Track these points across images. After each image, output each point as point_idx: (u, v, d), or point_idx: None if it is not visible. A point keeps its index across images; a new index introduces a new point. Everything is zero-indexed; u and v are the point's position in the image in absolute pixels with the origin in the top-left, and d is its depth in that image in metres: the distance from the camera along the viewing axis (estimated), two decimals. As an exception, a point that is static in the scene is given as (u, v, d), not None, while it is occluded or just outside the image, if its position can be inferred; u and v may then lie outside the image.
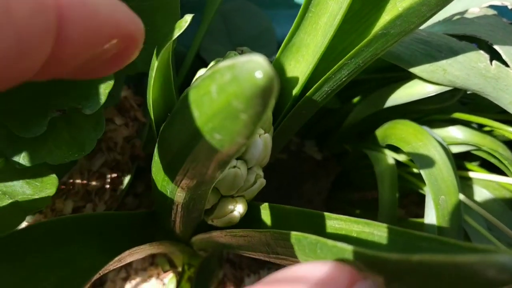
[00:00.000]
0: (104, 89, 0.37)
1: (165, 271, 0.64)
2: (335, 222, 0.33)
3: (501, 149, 0.52)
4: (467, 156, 0.58)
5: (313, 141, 0.65)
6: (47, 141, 0.37)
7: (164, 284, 0.62)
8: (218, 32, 0.68)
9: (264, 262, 0.66)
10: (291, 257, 0.30)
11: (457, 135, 0.53)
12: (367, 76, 0.56)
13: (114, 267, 0.37)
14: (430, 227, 0.46)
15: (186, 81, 0.58)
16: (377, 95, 0.50)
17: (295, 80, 0.42)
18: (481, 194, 0.56)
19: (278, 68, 0.43)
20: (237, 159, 0.38)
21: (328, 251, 0.23)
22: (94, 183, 0.49)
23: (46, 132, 0.36)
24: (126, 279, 0.62)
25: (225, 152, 0.22)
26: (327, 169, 0.62)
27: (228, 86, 0.17)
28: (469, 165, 0.57)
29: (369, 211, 0.65)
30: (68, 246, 0.34)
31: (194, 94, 0.20)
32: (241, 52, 0.41)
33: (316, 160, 0.62)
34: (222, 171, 0.29)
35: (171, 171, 0.30)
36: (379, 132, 0.52)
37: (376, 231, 0.29)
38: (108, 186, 0.50)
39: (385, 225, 0.29)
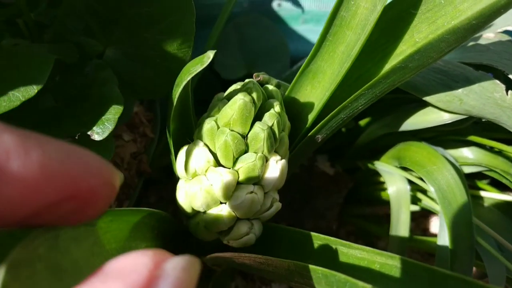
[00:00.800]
0: (114, 114, 0.38)
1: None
2: (357, 251, 0.34)
3: (512, 170, 0.52)
4: (478, 174, 0.58)
5: (325, 156, 0.66)
6: None
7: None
8: (231, 45, 0.69)
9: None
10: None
11: (469, 155, 0.53)
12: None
13: None
14: (443, 248, 0.47)
15: (198, 90, 0.58)
16: (392, 118, 0.50)
17: (311, 105, 0.43)
18: (491, 213, 0.56)
19: (295, 92, 0.44)
20: (254, 184, 0.38)
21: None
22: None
23: None
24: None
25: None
26: (339, 184, 0.63)
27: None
28: (480, 184, 0.57)
29: (380, 226, 0.65)
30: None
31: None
32: (259, 79, 0.41)
33: (328, 175, 0.63)
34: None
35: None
36: (393, 152, 0.52)
37: (399, 264, 0.30)
38: (113, 201, 0.50)
39: (409, 260, 0.29)
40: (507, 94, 0.40)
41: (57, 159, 0.17)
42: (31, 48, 0.36)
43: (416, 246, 0.57)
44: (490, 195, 0.54)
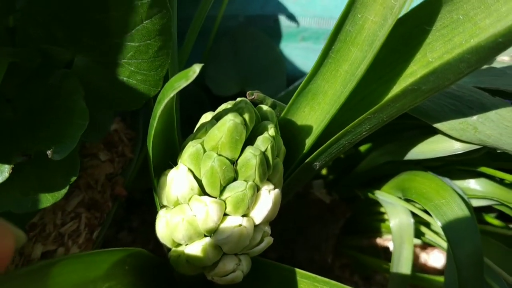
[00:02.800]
0: (76, 131, 0.33)
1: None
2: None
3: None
4: (486, 207, 0.54)
5: (321, 181, 0.62)
6: (11, 188, 0.33)
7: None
8: (225, 60, 0.65)
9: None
10: None
11: (477, 187, 0.49)
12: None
13: None
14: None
15: (186, 107, 0.54)
16: (396, 145, 0.46)
17: (308, 129, 0.39)
18: (500, 249, 0.52)
19: (292, 113, 0.40)
20: (243, 216, 0.34)
21: None
22: (68, 224, 0.44)
23: (10, 179, 0.32)
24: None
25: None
26: (335, 213, 0.58)
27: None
28: (487, 217, 0.53)
29: (378, 259, 0.61)
30: None
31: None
32: (253, 98, 0.37)
33: (324, 203, 0.59)
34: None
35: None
36: (396, 182, 0.48)
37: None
38: (83, 227, 0.45)
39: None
40: (526, 123, 0.37)
41: None
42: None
43: (419, 284, 0.53)
44: (498, 230, 0.50)
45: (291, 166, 0.40)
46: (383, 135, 0.51)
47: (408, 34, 0.33)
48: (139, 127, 0.53)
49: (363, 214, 0.59)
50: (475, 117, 0.36)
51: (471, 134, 0.37)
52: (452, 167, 0.49)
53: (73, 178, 0.34)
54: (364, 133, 0.34)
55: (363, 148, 0.55)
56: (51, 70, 0.34)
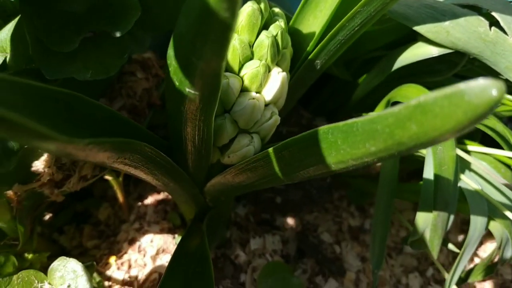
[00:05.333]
0: (131, 17, 0.42)
1: (176, 227, 0.67)
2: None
3: (499, 125, 0.55)
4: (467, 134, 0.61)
5: (323, 117, 0.70)
6: (76, 59, 0.41)
7: (174, 237, 0.66)
8: None
9: (269, 227, 0.70)
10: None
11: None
12: (379, 53, 0.60)
13: (129, 172, 0.39)
14: (427, 181, 0.50)
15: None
16: (385, 60, 0.54)
17: (312, 35, 0.47)
18: (478, 165, 0.59)
19: (298, 23, 0.48)
20: (256, 92, 0.42)
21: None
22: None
23: (77, 52, 0.40)
24: (139, 229, 0.66)
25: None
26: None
27: None
28: (468, 142, 0.61)
29: (372, 182, 0.68)
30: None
31: None
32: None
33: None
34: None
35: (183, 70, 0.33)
36: (386, 99, 0.56)
37: None
38: None
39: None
40: (490, 29, 0.45)
41: None
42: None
43: (404, 190, 0.60)
44: (477, 149, 0.57)
45: (296, 64, 0.47)
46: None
47: None
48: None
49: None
50: (447, 22, 0.44)
51: (444, 36, 0.44)
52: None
53: (124, 60, 0.43)
54: (356, 28, 0.42)
55: (361, 80, 0.62)
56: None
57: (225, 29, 0.24)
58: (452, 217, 0.49)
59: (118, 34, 0.40)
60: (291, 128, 0.70)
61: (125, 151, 0.31)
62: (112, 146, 0.28)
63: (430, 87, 0.58)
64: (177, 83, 0.34)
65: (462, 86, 0.20)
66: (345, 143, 0.28)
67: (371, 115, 0.25)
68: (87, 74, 0.41)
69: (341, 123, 0.28)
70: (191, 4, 0.25)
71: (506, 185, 0.48)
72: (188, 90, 0.32)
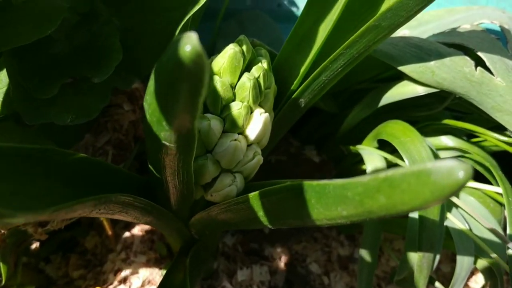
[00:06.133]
0: (113, 62, 0.41)
1: (162, 257, 0.67)
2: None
3: (487, 160, 0.55)
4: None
5: (312, 146, 0.69)
6: (57, 104, 0.41)
7: (160, 268, 0.65)
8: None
9: (257, 258, 0.69)
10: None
11: (447, 143, 0.56)
12: (365, 86, 0.60)
13: (107, 215, 0.39)
14: (412, 220, 0.49)
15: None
16: (372, 96, 0.54)
17: (297, 73, 0.47)
18: (466, 200, 0.59)
19: (283, 60, 0.47)
20: (238, 133, 0.42)
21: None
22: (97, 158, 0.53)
23: (57, 96, 0.40)
24: (125, 260, 0.65)
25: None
26: (323, 171, 0.66)
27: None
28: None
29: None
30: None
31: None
32: (252, 41, 0.45)
33: (314, 162, 0.66)
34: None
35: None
36: (373, 133, 0.56)
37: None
38: (110, 162, 0.53)
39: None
40: (476, 70, 0.44)
41: None
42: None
43: (389, 224, 0.60)
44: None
45: (281, 102, 0.47)
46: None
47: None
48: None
49: (348, 172, 0.66)
50: (432, 62, 0.44)
51: (429, 76, 0.44)
52: (424, 125, 0.56)
53: (105, 103, 0.42)
54: (340, 68, 0.42)
55: (348, 112, 0.62)
56: (95, 20, 0.43)
57: (195, 91, 0.24)
58: (438, 256, 0.48)
59: (97, 81, 0.40)
60: (280, 156, 0.70)
61: (98, 205, 0.30)
62: (82, 206, 0.27)
63: (420, 120, 0.57)
64: (153, 129, 0.34)
65: (430, 165, 0.19)
66: (319, 203, 0.27)
67: (342, 181, 0.24)
68: (67, 119, 0.41)
69: (314, 182, 0.27)
70: (163, 64, 0.25)
71: (491, 230, 0.48)
72: (163, 142, 0.32)
